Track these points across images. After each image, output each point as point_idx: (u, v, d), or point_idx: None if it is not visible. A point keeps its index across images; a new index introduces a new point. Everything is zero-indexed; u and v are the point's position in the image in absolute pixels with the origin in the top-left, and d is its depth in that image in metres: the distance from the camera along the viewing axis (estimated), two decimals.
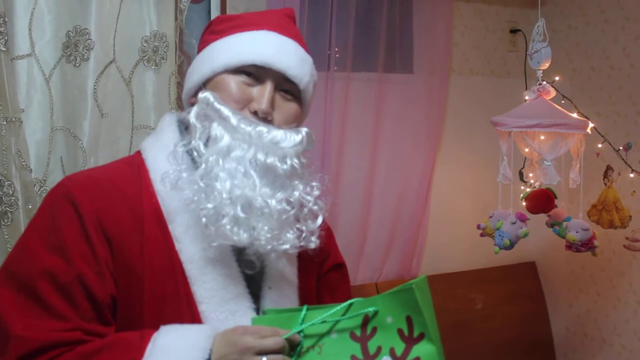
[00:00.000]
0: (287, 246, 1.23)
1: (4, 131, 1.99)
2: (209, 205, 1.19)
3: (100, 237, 1.21)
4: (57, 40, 2.14)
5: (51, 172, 2.16)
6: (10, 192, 2.02)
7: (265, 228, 1.20)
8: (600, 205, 2.53)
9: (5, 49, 1.99)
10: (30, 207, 2.05)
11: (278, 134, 1.24)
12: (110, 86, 2.21)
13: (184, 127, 1.34)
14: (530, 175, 2.48)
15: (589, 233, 2.36)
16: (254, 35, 1.30)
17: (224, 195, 1.19)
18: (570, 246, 2.38)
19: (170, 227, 1.25)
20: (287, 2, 2.48)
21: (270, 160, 1.22)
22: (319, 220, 1.29)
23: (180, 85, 2.31)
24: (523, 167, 2.65)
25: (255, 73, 1.27)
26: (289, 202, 1.23)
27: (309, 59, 1.36)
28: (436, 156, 3.03)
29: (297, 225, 1.25)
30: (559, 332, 3.25)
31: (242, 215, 1.19)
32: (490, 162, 2.88)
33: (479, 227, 2.53)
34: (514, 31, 3.25)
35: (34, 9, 2.09)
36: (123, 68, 2.24)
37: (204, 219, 1.20)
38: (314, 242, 1.27)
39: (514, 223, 2.31)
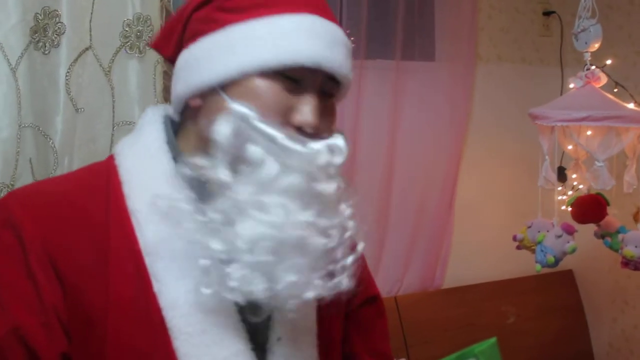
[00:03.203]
0: (312, 294, 0.95)
1: None
2: (218, 247, 0.92)
3: (48, 274, 0.95)
4: (24, 25, 1.89)
5: (20, 176, 1.91)
6: None
7: (291, 275, 0.93)
8: None
9: None
10: None
11: (330, 149, 0.98)
12: (87, 77, 1.98)
13: (174, 128, 1.08)
14: (574, 176, 2.21)
15: None
16: (294, 21, 0.99)
17: (244, 245, 0.92)
18: (627, 263, 2.10)
19: (148, 261, 0.97)
20: None
21: (321, 187, 0.97)
22: (359, 249, 1.03)
23: (167, 75, 2.09)
24: (562, 167, 2.38)
25: (298, 77, 0.98)
26: (327, 233, 0.97)
27: (350, 47, 1.07)
28: (462, 154, 2.84)
29: (329, 266, 0.98)
30: (601, 349, 3.04)
31: (266, 259, 0.92)
32: (524, 160, 2.70)
33: (515, 238, 2.27)
34: (547, 13, 3.05)
35: None
36: (101, 56, 2.00)
37: (203, 261, 0.93)
38: (346, 283, 0.99)
39: (559, 236, 2.03)
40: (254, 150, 0.94)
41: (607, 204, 2.15)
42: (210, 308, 0.96)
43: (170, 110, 1.09)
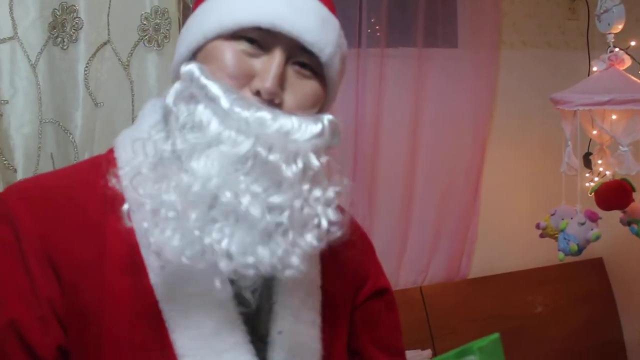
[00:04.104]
0: (310, 243, 0.90)
1: None
2: (172, 197, 0.87)
3: (45, 269, 0.92)
4: (43, 20, 1.90)
5: (41, 171, 1.91)
6: None
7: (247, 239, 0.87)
8: None
9: None
10: None
11: (287, 122, 0.90)
12: (105, 71, 1.97)
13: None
14: (600, 162, 2.15)
15: None
16: None
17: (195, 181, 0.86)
18: None
19: (144, 254, 0.94)
20: None
21: (273, 157, 0.88)
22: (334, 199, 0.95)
23: None
24: (588, 152, 2.32)
25: (259, 39, 0.94)
26: (280, 209, 0.89)
27: (334, 23, 1.02)
28: (486, 142, 2.79)
29: (314, 221, 0.92)
30: (633, 337, 2.98)
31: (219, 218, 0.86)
32: (549, 147, 2.65)
33: (538, 226, 2.22)
34: None
35: None
36: (119, 50, 1.99)
37: (171, 213, 0.87)
38: (295, 263, 0.90)
39: (582, 224, 1.98)
40: (199, 111, 0.90)
41: (633, 189, 2.09)
42: (207, 300, 0.93)
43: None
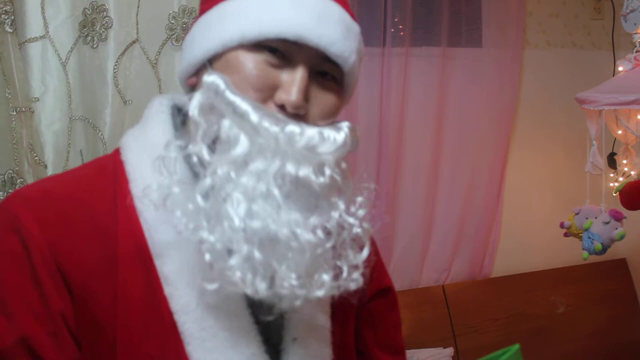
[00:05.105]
0: (320, 292, 0.87)
1: (14, 123, 1.82)
2: (211, 238, 0.84)
3: (56, 281, 0.88)
4: (73, 20, 1.94)
5: (71, 167, 1.94)
6: None
7: (292, 275, 0.85)
8: None
9: (11, 31, 1.81)
10: None
11: (314, 135, 0.88)
12: (134, 69, 2.00)
13: (181, 118, 0.99)
14: (625, 162, 2.12)
15: None
16: None
17: (237, 224, 0.83)
18: None
19: (158, 264, 0.91)
20: None
21: (303, 172, 0.86)
22: (365, 252, 0.92)
23: None
24: (613, 152, 2.30)
25: (283, 50, 0.90)
26: (325, 230, 0.88)
27: (356, 29, 0.98)
28: (509, 141, 2.76)
29: (336, 262, 0.90)
30: None
31: (258, 256, 0.84)
32: (573, 148, 2.66)
33: (562, 225, 2.19)
34: None
35: None
36: (148, 48, 2.02)
37: (207, 255, 0.84)
38: (355, 281, 0.90)
39: (607, 223, 1.96)
40: (226, 126, 0.86)
41: None
42: (223, 311, 0.91)
43: (179, 100, 1.01)
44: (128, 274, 0.90)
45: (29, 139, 1.84)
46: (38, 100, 1.92)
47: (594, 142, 2.02)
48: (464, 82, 2.65)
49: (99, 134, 1.95)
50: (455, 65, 2.63)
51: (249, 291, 0.84)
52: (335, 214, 0.89)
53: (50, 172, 1.91)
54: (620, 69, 2.08)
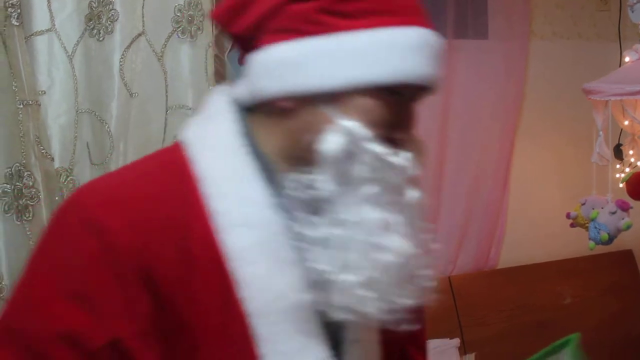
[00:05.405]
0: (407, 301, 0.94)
1: (20, 116, 1.83)
2: (351, 278, 0.88)
3: (141, 284, 0.88)
4: (79, 12, 1.94)
5: (77, 161, 1.97)
6: (31, 184, 1.83)
7: (409, 302, 0.93)
8: None
9: (18, 24, 1.81)
10: (57, 199, 1.87)
11: (411, 162, 0.95)
12: (140, 62, 2.00)
13: (244, 117, 0.99)
14: (631, 152, 2.13)
15: None
16: (407, 35, 0.93)
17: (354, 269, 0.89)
18: None
19: (232, 266, 0.91)
20: None
21: (409, 197, 0.95)
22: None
23: (218, 59, 2.10)
24: (619, 144, 2.30)
25: (403, 91, 0.94)
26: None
27: None
28: (515, 133, 2.78)
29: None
30: None
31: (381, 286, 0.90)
32: (579, 139, 2.65)
33: (568, 216, 2.20)
34: None
35: None
36: (154, 41, 2.01)
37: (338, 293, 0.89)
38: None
39: (613, 213, 1.97)
40: (360, 169, 0.90)
41: None
42: (296, 315, 0.92)
43: (235, 93, 1.01)
44: (204, 277, 0.91)
45: (35, 132, 1.84)
46: (44, 93, 1.92)
47: (601, 132, 2.03)
48: (469, 73, 2.66)
49: (106, 127, 1.95)
50: (461, 56, 2.63)
51: (347, 316, 0.91)
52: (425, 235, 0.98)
53: (57, 164, 1.92)
54: (627, 59, 2.08)
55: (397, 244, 0.90)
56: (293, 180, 0.93)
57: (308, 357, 0.93)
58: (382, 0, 0.94)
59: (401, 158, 0.92)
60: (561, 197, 2.79)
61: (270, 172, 0.95)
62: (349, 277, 0.89)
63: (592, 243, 2.06)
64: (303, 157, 0.93)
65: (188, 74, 2.06)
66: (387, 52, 0.91)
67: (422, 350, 1.23)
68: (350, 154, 0.90)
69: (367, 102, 0.92)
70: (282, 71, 0.94)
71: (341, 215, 0.90)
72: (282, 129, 0.96)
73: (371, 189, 0.90)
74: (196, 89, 2.06)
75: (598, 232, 2.02)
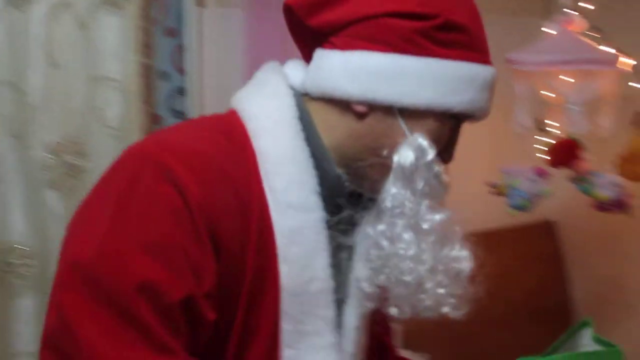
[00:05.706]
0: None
1: None
2: (407, 279, 0.99)
3: (210, 242, 0.89)
4: None
5: None
6: None
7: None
8: (630, 157, 2.23)
9: None
10: None
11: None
12: (63, 33, 1.96)
13: (299, 102, 1.02)
14: (552, 123, 2.19)
15: (622, 190, 2.07)
16: (485, 72, 1.03)
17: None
18: (600, 206, 2.09)
19: (280, 244, 0.95)
20: None
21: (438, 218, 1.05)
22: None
23: (146, 31, 2.07)
24: (541, 113, 2.35)
25: (462, 118, 1.05)
26: None
27: None
28: None
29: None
30: (579, 297, 3.00)
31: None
32: (508, 112, 2.60)
33: (491, 185, 2.24)
34: None
35: None
36: (78, 11, 1.97)
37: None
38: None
39: (533, 181, 2.02)
40: (421, 184, 0.99)
41: (581, 147, 2.13)
42: (323, 300, 0.99)
43: (292, 76, 1.04)
44: (255, 246, 0.94)
45: None
46: None
47: (522, 102, 2.07)
48: None
49: (26, 99, 1.91)
50: None
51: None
52: None
53: None
54: (549, 31, 2.13)
55: (465, 253, 1.07)
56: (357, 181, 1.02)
57: (322, 341, 1.00)
58: (473, 37, 1.01)
59: (447, 177, 1.03)
60: (490, 168, 2.73)
61: (318, 160, 0.99)
62: (430, 283, 1.01)
63: (511, 209, 2.12)
64: (359, 157, 1.00)
65: (114, 45, 2.04)
66: (468, 84, 1.00)
67: (389, 334, 1.31)
68: (416, 169, 0.98)
69: (435, 123, 1.00)
70: (369, 78, 0.97)
71: (420, 224, 1.00)
72: (347, 127, 1.00)
73: (427, 203, 1.00)
74: (121, 61, 2.04)
75: (517, 199, 2.08)
